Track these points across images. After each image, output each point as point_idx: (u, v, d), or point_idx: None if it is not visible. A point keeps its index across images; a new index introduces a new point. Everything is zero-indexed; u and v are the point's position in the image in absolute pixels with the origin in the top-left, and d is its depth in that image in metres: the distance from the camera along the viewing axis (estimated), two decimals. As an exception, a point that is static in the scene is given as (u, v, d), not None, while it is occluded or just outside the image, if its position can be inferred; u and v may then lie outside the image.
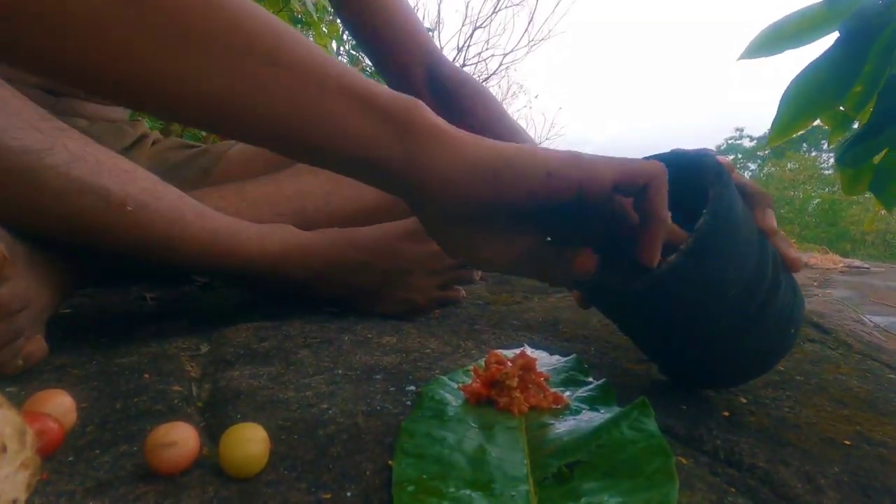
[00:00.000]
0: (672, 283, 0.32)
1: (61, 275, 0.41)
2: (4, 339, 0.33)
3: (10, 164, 0.34)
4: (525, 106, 5.05)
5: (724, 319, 0.34)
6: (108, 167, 0.40)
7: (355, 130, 0.27)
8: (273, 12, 1.31)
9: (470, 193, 0.28)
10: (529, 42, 4.09)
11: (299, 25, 1.36)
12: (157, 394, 0.34)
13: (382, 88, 0.28)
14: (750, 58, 0.67)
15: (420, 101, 0.29)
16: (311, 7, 1.27)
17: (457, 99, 0.67)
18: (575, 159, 0.29)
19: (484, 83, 4.28)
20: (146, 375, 0.37)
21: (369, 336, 0.49)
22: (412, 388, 0.37)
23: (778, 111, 0.64)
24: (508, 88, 4.79)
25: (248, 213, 0.55)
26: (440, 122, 0.28)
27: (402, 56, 0.67)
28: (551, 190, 0.28)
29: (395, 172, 0.28)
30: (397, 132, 0.27)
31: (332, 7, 0.71)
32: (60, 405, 0.26)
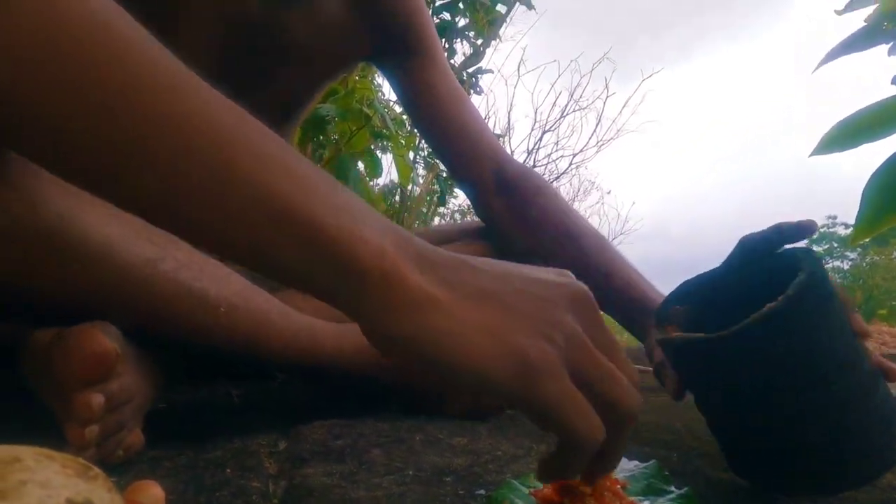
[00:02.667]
0: (765, 332, 0.31)
1: (160, 372, 0.45)
2: (110, 431, 0.36)
3: (128, 273, 0.39)
4: (598, 202, 5.07)
5: (813, 397, 0.33)
6: (208, 273, 0.44)
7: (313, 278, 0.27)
8: (356, 128, 1.45)
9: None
10: (598, 142, 4.19)
11: (379, 139, 1.48)
12: (237, 489, 0.35)
13: (366, 234, 0.27)
14: (823, 153, 0.67)
15: (401, 253, 0.27)
16: (389, 122, 1.39)
17: (522, 198, 0.70)
18: (522, 369, 0.27)
19: (554, 182, 4.38)
20: (228, 470, 0.39)
21: (440, 436, 0.49)
22: (482, 491, 0.36)
23: (860, 208, 0.62)
24: (580, 186, 4.87)
25: (327, 313, 0.59)
26: (412, 283, 0.27)
27: (472, 162, 0.71)
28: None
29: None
30: (357, 288, 0.26)
31: (410, 120, 0.78)
32: (153, 496, 0.28)
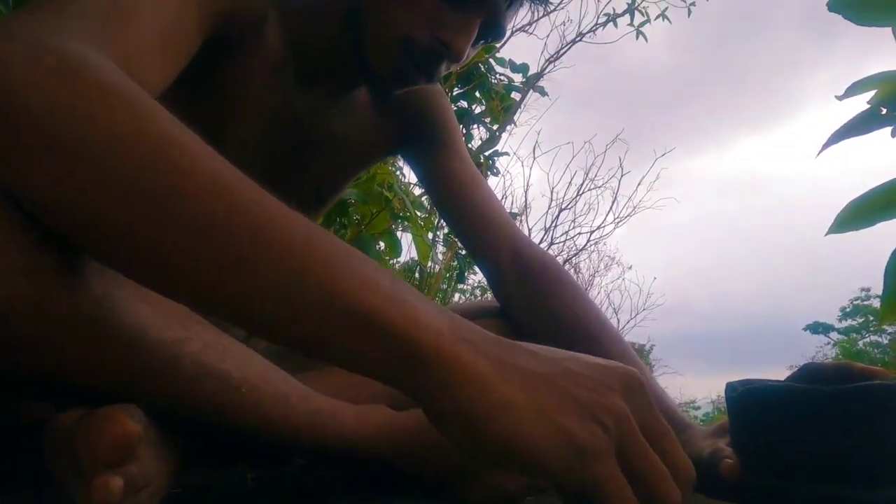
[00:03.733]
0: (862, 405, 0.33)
1: (178, 455, 0.45)
2: None
3: (156, 354, 0.40)
4: (618, 278, 5.06)
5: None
6: (231, 353, 0.45)
7: (372, 364, 0.30)
8: (376, 210, 1.50)
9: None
10: (615, 219, 4.24)
11: (399, 220, 1.53)
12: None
13: (421, 319, 0.30)
14: (839, 232, 0.67)
15: (456, 335, 0.30)
16: (408, 204, 1.44)
17: (539, 285, 0.71)
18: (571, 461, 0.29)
19: (574, 258, 4.40)
20: (241, 559, 0.38)
21: (458, 524, 0.47)
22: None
23: (885, 287, 0.61)
24: (600, 261, 4.88)
25: (348, 395, 0.59)
26: (467, 361, 0.29)
27: (489, 245, 0.74)
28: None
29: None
30: (411, 368, 0.29)
31: (432, 203, 0.82)
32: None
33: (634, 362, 0.66)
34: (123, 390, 0.39)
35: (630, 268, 5.05)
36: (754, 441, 0.40)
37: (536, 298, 0.71)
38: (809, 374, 0.42)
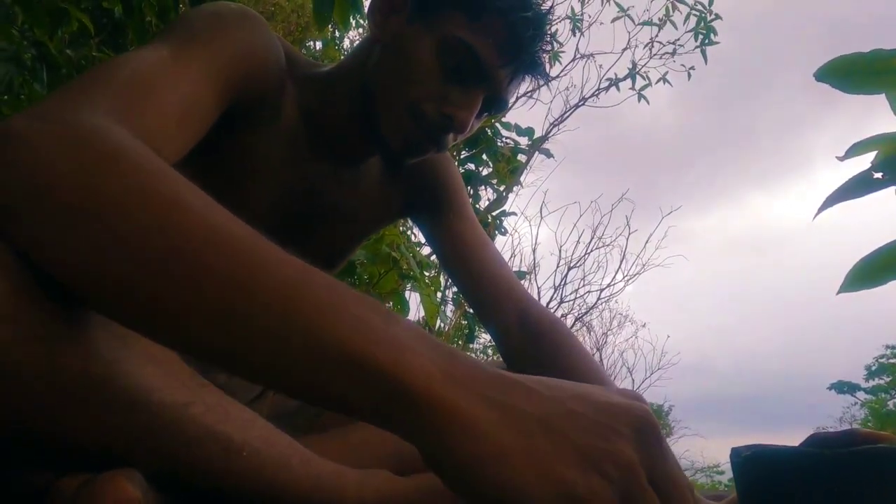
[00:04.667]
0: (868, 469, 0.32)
1: (178, 521, 0.44)
2: None
3: (159, 417, 0.40)
4: (632, 336, 4.99)
5: None
6: (232, 416, 0.45)
7: (360, 405, 0.29)
8: (384, 271, 1.52)
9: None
10: (625, 277, 4.23)
11: (407, 280, 1.54)
12: None
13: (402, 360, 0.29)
14: (850, 291, 0.67)
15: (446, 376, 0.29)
16: (415, 265, 1.46)
17: (545, 349, 0.72)
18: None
19: (584, 316, 4.36)
20: None
21: None
22: None
23: None
24: (612, 320, 4.83)
25: (350, 459, 0.58)
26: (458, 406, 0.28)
27: (496, 307, 0.75)
28: None
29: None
30: (405, 413, 0.28)
31: (440, 264, 0.84)
32: None
33: None
34: (126, 453, 0.39)
35: (644, 325, 4.99)
36: None
37: (543, 360, 0.71)
38: (816, 444, 0.41)
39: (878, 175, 0.53)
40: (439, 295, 2.50)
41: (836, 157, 0.78)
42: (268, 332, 0.29)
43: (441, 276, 1.98)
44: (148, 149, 0.36)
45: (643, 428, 0.29)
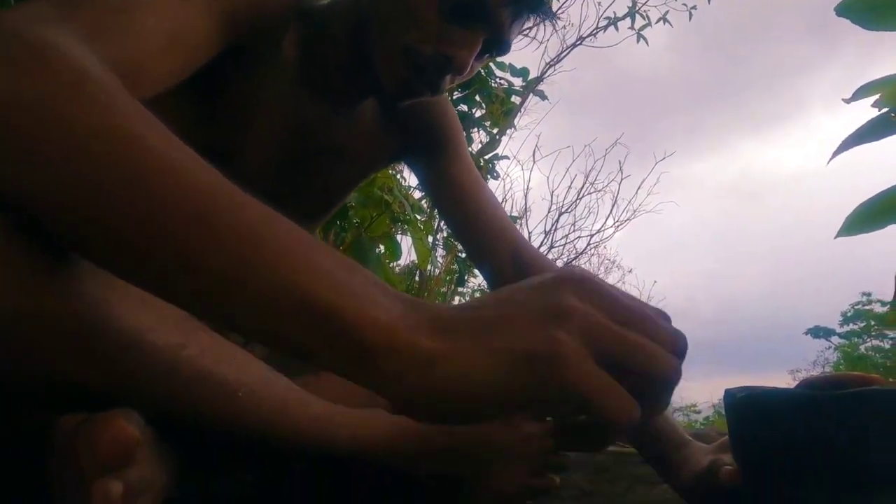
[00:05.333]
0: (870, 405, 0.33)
1: (177, 460, 0.45)
2: None
3: (153, 359, 0.40)
4: (618, 281, 5.06)
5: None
6: (228, 358, 0.45)
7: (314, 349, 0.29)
8: (376, 214, 1.50)
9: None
10: (615, 223, 4.25)
11: (399, 223, 1.53)
12: (248, 585, 0.34)
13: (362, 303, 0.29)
14: (849, 234, 0.67)
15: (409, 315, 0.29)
16: (408, 208, 1.44)
17: None
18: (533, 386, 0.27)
19: (573, 262, 4.40)
20: (240, 565, 0.37)
21: (458, 529, 0.47)
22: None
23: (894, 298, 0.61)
24: (600, 265, 4.88)
25: (346, 398, 0.59)
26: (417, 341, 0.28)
27: (490, 248, 0.75)
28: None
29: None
30: (355, 356, 0.28)
31: (434, 207, 0.84)
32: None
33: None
34: (122, 395, 0.39)
35: (630, 271, 5.05)
36: (754, 447, 0.39)
37: None
38: (807, 387, 0.42)
39: (893, 115, 0.51)
40: (430, 239, 2.50)
41: (843, 100, 0.76)
42: (227, 276, 0.28)
43: (433, 220, 1.97)
44: (114, 77, 0.33)
45: (583, 281, 0.29)
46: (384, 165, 0.84)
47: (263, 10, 0.58)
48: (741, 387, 0.42)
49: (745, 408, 0.39)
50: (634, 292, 5.34)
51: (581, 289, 0.29)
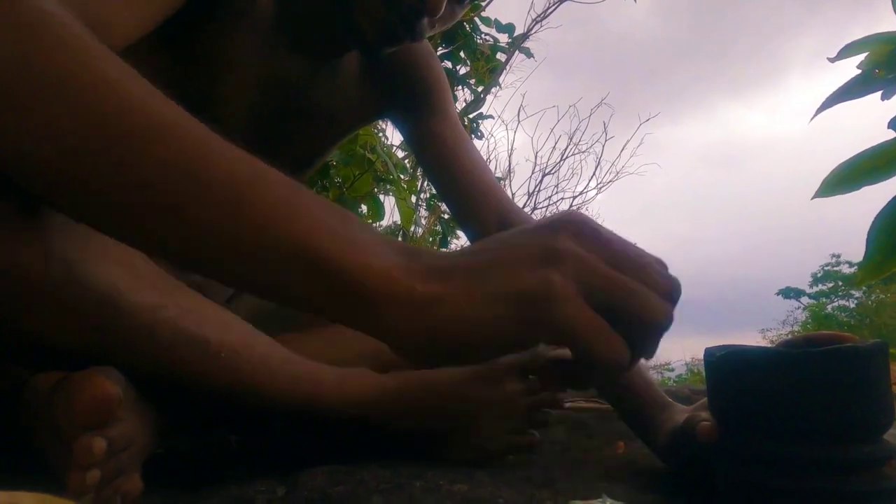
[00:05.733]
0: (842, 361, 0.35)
1: (159, 418, 0.45)
2: (109, 477, 0.36)
3: (131, 319, 0.39)
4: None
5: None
6: (209, 318, 0.45)
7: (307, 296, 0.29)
8: (359, 173, 1.48)
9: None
10: (598, 184, 4.25)
11: (382, 183, 1.51)
12: (233, 538, 0.35)
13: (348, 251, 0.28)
14: (826, 196, 0.67)
15: (391, 260, 0.29)
16: (391, 167, 1.42)
17: None
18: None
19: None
20: (225, 519, 0.38)
21: (440, 483, 0.48)
22: (483, 540, 0.35)
23: (867, 250, 0.62)
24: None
25: (331, 356, 0.59)
26: (401, 288, 0.28)
27: (475, 208, 0.74)
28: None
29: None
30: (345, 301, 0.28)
31: (419, 165, 0.82)
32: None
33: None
34: (100, 355, 0.38)
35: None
36: (733, 404, 0.41)
37: None
38: (783, 345, 0.43)
39: (878, 71, 0.51)
40: (414, 199, 2.47)
41: (828, 59, 0.75)
42: (220, 228, 0.28)
43: (416, 181, 1.95)
44: (80, 24, 0.31)
45: (579, 224, 0.29)
46: (368, 122, 0.82)
47: None
48: (721, 345, 0.43)
49: (725, 365, 0.40)
50: None
51: (579, 231, 0.29)
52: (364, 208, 1.53)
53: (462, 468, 0.53)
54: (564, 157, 3.93)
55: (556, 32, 2.96)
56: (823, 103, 0.56)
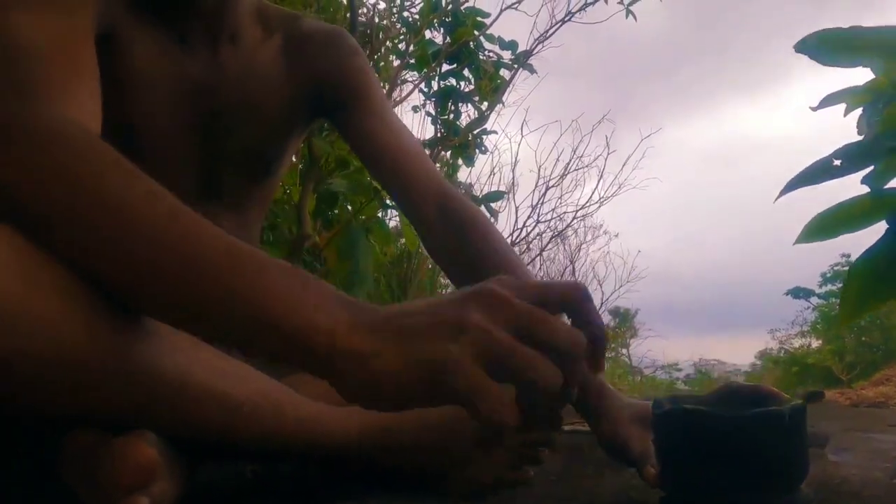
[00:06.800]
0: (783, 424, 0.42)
1: (187, 466, 0.49)
2: None
3: (161, 381, 0.43)
4: (604, 246, 5.12)
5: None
6: (230, 373, 0.49)
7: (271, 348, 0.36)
8: (366, 200, 1.52)
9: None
10: (600, 199, 4.30)
11: (388, 209, 1.56)
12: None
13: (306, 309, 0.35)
14: (807, 242, 0.72)
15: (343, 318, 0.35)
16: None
17: (465, 236, 0.73)
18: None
19: (560, 235, 4.46)
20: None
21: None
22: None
23: (842, 297, 0.66)
24: (585, 234, 4.94)
25: (334, 397, 0.63)
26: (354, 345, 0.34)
27: (416, 198, 0.74)
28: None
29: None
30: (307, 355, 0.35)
31: (358, 158, 0.83)
32: None
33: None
34: (132, 418, 0.43)
35: (616, 235, 5.11)
36: (671, 455, 0.48)
37: (467, 253, 0.72)
38: (729, 394, 0.50)
39: (837, 162, 0.56)
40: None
41: (810, 107, 0.80)
42: (215, 303, 0.35)
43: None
44: (94, 137, 0.40)
45: (487, 296, 0.34)
46: (304, 119, 0.79)
47: None
48: (670, 397, 0.49)
49: (665, 421, 0.47)
50: (619, 262, 5.40)
51: (489, 303, 0.34)
52: (371, 235, 1.57)
53: (463, 501, 0.57)
54: (567, 171, 3.98)
55: (560, 49, 3.01)
56: (785, 187, 0.60)
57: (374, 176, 0.81)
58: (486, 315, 0.33)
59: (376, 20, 2.36)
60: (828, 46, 0.57)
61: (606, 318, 7.21)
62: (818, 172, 0.58)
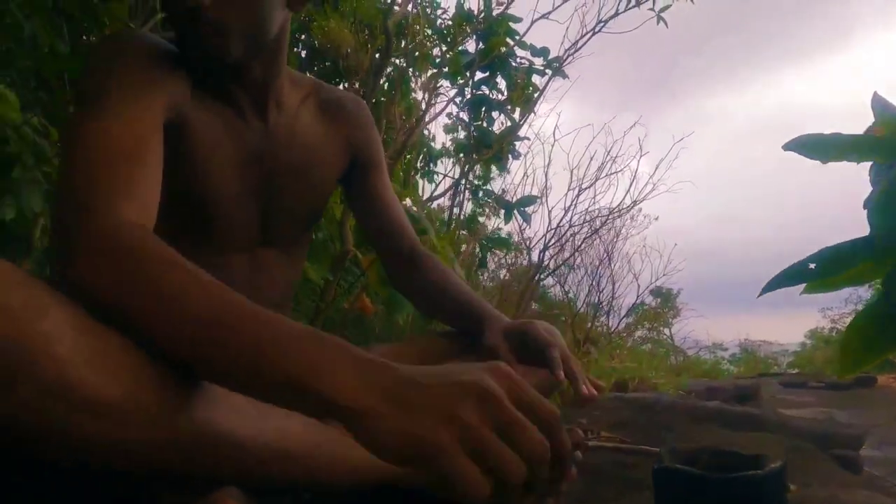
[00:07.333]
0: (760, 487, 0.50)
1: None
2: None
3: (240, 451, 0.52)
4: (643, 232, 5.03)
5: None
6: (292, 434, 0.56)
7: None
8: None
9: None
10: (633, 202, 4.30)
11: (420, 236, 1.63)
12: None
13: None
14: (811, 293, 0.77)
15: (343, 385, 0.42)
16: (428, 226, 1.54)
17: (423, 277, 0.90)
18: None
19: (594, 234, 4.45)
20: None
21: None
22: None
23: (842, 350, 0.71)
24: (621, 228, 4.89)
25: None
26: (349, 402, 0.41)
27: (394, 244, 0.93)
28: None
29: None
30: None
31: (350, 208, 1.02)
32: None
33: (493, 313, 0.83)
34: (210, 476, 0.51)
35: (657, 219, 4.96)
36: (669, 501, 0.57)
37: (427, 287, 0.90)
38: (726, 455, 0.58)
39: (812, 265, 0.61)
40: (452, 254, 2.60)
41: (782, 147, 0.82)
42: (240, 375, 0.45)
43: (455, 233, 2.06)
44: (155, 238, 0.50)
45: (483, 395, 0.41)
46: (339, 180, 0.92)
47: (170, 79, 0.68)
48: (670, 448, 0.58)
49: (662, 476, 0.56)
50: (654, 254, 5.28)
51: (484, 399, 0.41)
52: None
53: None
54: (601, 174, 3.99)
55: (591, 56, 3.03)
56: (766, 286, 0.64)
57: (364, 221, 0.96)
58: (479, 413, 0.41)
59: (408, 24, 2.42)
60: (813, 149, 0.62)
61: (648, 300, 7.03)
62: (796, 274, 0.63)
